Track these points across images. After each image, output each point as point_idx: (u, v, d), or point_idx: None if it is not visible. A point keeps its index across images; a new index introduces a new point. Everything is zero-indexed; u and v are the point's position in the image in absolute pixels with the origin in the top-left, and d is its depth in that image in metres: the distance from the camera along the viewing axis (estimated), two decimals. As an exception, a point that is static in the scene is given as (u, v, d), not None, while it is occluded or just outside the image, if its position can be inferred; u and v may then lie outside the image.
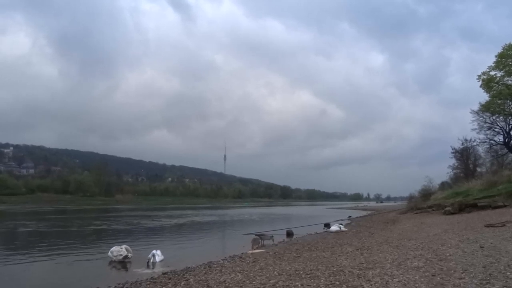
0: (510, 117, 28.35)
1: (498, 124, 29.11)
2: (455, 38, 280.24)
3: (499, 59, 26.46)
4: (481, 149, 33.50)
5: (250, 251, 10.62)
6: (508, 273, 4.91)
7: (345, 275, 5.66)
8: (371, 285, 4.97)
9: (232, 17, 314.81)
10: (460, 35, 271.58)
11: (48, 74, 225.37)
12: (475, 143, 32.57)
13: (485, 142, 30.64)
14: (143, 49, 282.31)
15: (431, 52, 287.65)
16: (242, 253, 10.28)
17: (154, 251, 9.94)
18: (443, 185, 36.30)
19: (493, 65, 26.94)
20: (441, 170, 55.49)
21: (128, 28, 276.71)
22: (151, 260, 9.48)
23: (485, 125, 29.42)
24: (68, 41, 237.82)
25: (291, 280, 5.66)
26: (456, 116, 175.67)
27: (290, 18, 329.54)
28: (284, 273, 6.26)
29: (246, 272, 6.76)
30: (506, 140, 28.91)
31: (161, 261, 9.69)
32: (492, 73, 27.20)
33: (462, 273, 5.15)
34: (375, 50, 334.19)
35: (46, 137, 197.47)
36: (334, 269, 6.23)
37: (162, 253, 10.14)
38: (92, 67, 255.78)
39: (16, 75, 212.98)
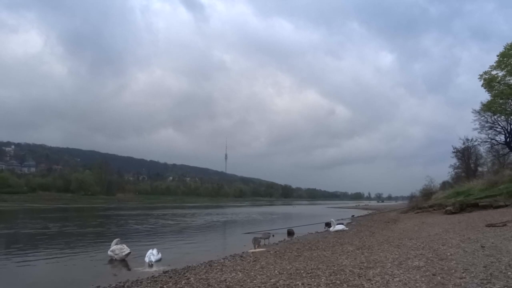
0: (511, 117, 28.28)
1: (500, 123, 29.09)
2: (466, 38, 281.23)
3: (501, 59, 26.38)
4: (482, 149, 33.52)
5: (251, 250, 10.63)
6: (509, 273, 4.90)
7: (345, 274, 5.66)
8: (372, 284, 4.97)
9: (242, 16, 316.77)
10: (470, 35, 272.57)
11: (58, 73, 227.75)
12: (476, 143, 32.58)
13: (487, 141, 30.65)
14: (153, 49, 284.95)
15: (441, 52, 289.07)
16: (243, 252, 10.29)
17: (150, 251, 9.93)
18: (444, 185, 36.25)
19: (494, 64, 26.87)
20: (444, 170, 55.52)
21: (139, 27, 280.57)
22: (148, 260, 9.49)
23: (486, 125, 29.43)
24: (79, 40, 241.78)
25: (291, 279, 5.66)
26: (463, 116, 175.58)
27: (299, 17, 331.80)
28: (285, 272, 6.26)
29: (246, 271, 6.76)
30: (508, 139, 28.86)
31: (157, 260, 9.64)
32: (494, 72, 27.15)
33: (463, 272, 5.14)
34: (385, 50, 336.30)
35: (52, 136, 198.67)
36: (335, 268, 6.23)
37: (160, 251, 10.10)
38: (102, 66, 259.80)
39: (27, 74, 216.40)
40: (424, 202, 26.74)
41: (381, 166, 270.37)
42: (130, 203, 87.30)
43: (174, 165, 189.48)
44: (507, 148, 29.91)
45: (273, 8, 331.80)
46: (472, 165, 34.93)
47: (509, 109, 27.65)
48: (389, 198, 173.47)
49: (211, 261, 8.86)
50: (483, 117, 29.28)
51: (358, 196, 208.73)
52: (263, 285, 5.44)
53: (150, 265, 9.22)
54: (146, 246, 11.81)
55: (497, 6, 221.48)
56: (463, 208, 17.94)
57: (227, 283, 5.74)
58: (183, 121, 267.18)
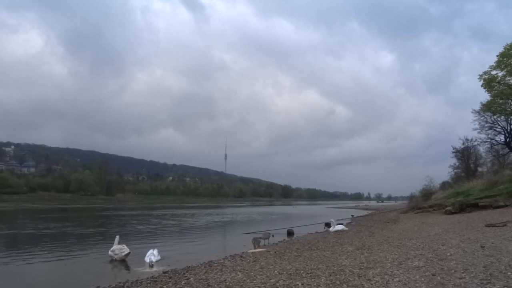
0: (511, 117, 28.29)
1: (499, 123, 29.11)
2: (466, 38, 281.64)
3: (501, 59, 26.39)
4: (482, 149, 33.52)
5: (251, 250, 10.62)
6: (509, 273, 4.90)
7: (345, 275, 5.66)
8: (372, 284, 4.97)
9: (242, 16, 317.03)
10: (471, 35, 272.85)
11: (58, 73, 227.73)
12: (476, 143, 32.58)
13: (486, 141, 30.66)
14: (154, 49, 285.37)
15: (441, 52, 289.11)
16: (243, 252, 10.29)
17: (151, 251, 9.93)
18: (444, 185, 36.26)
19: (494, 64, 26.88)
20: (444, 170, 55.47)
21: (139, 27, 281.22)
22: (149, 261, 9.47)
23: (486, 125, 29.44)
24: (79, 41, 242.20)
25: (291, 279, 5.66)
26: (463, 116, 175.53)
27: (299, 17, 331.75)
28: (284, 272, 6.26)
29: (246, 271, 6.76)
30: (507, 140, 28.87)
31: (157, 261, 9.62)
32: (494, 72, 27.16)
33: (462, 272, 5.14)
34: (385, 50, 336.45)
35: (51, 136, 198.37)
36: (335, 269, 6.23)
37: (160, 252, 10.10)
38: (102, 66, 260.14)
39: (27, 74, 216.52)
40: (424, 202, 26.75)
41: (381, 166, 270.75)
42: (130, 203, 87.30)
43: (174, 165, 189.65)
44: (506, 148, 29.92)
45: (273, 8, 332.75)
46: (472, 165, 34.92)
47: (509, 109, 27.66)
48: (389, 198, 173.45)
49: (211, 261, 8.86)
50: (483, 117, 29.31)
51: (358, 196, 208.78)
52: (263, 285, 5.44)
53: (151, 265, 9.20)
54: (146, 246, 11.82)
55: (498, 6, 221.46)
56: (463, 208, 17.94)
57: (227, 283, 5.74)
58: (183, 121, 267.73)
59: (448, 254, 6.72)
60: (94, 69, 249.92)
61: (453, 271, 5.31)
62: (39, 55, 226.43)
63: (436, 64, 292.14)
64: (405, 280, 5.03)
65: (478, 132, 30.24)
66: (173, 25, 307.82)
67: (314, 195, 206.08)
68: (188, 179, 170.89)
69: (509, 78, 26.65)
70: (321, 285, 5.18)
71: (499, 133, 29.43)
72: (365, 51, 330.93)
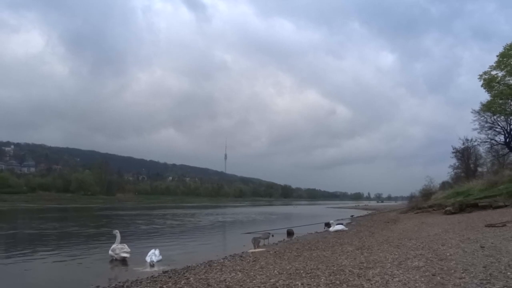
0: (511, 117, 28.32)
1: (499, 124, 29.15)
2: (467, 38, 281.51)
3: (501, 59, 26.42)
4: (482, 149, 33.55)
5: (251, 250, 10.62)
6: (509, 273, 4.90)
7: (345, 275, 5.66)
8: (371, 284, 4.97)
9: (243, 16, 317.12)
10: (471, 35, 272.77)
11: (59, 73, 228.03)
12: (476, 143, 32.60)
13: (486, 142, 30.69)
14: (154, 49, 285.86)
15: (442, 52, 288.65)
16: (243, 252, 10.28)
17: (152, 250, 9.92)
18: (444, 185, 36.26)
19: (494, 64, 26.91)
20: (444, 170, 55.43)
21: (140, 27, 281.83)
22: (150, 260, 9.46)
23: (486, 125, 29.48)
24: (80, 41, 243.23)
25: (291, 279, 5.66)
26: (463, 116, 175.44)
27: (300, 17, 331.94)
28: (284, 272, 6.26)
29: (246, 271, 6.75)
30: (507, 140, 28.90)
31: (158, 261, 9.62)
32: (494, 72, 27.20)
33: (462, 272, 5.15)
34: (386, 50, 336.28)
35: (51, 136, 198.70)
36: (335, 268, 6.23)
37: (161, 252, 10.08)
38: (103, 66, 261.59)
39: (27, 74, 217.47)
40: (423, 202, 26.75)
41: (381, 166, 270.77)
42: (129, 203, 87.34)
43: (174, 165, 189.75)
44: (506, 149, 29.95)
45: (274, 8, 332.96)
46: (471, 165, 34.94)
47: (508, 110, 27.69)
48: (389, 198, 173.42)
49: (211, 261, 8.85)
50: (482, 117, 29.36)
51: (358, 196, 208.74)
52: (262, 285, 5.44)
53: (152, 265, 9.20)
54: (145, 247, 11.82)
55: (498, 6, 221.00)
56: (463, 208, 17.94)
57: (227, 283, 5.73)
58: (183, 121, 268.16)
59: (448, 254, 6.72)
60: (95, 69, 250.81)
61: (453, 271, 5.31)
62: (40, 55, 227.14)
63: (436, 64, 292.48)
64: (405, 280, 5.03)
65: (478, 132, 30.32)
66: (174, 25, 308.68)
67: (314, 195, 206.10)
68: (188, 179, 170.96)
69: (509, 78, 26.69)
70: (321, 285, 5.18)
71: (499, 133, 29.49)
72: (365, 51, 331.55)
